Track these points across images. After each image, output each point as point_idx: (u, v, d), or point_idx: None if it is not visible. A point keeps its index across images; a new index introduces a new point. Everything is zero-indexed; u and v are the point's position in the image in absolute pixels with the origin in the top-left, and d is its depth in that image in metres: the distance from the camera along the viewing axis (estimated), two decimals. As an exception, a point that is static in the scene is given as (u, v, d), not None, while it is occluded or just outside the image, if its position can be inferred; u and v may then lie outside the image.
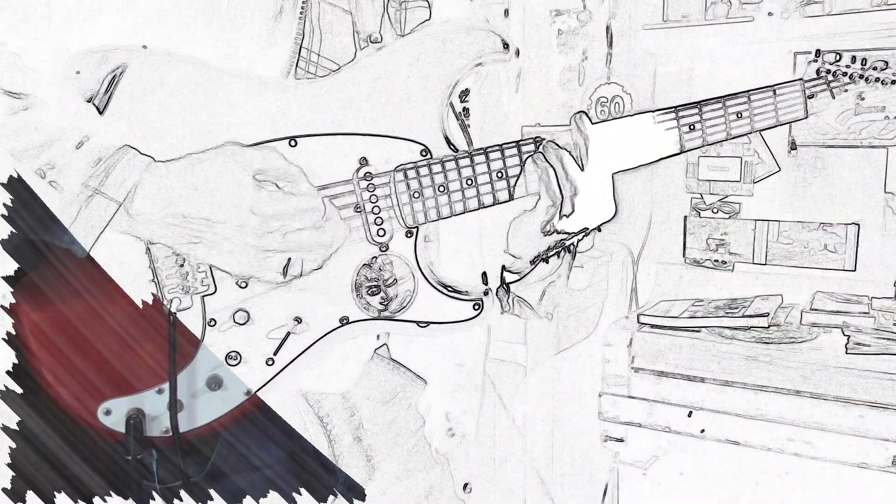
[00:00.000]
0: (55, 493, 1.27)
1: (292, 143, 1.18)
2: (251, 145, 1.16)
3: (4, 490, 1.25)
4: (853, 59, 1.24)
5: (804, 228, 2.02)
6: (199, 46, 1.16)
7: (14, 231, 1.11)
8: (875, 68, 1.23)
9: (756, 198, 2.06)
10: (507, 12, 2.19)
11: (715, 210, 2.10)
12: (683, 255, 2.16)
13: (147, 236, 1.11)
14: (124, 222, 1.09)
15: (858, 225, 1.95)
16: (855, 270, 1.96)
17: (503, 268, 1.31)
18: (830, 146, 1.96)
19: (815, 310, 1.94)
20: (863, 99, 1.24)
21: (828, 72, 1.24)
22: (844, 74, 1.24)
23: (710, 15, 2.03)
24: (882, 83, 1.23)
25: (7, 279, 1.16)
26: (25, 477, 1.26)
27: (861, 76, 1.24)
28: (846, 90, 1.24)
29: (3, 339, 1.17)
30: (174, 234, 1.09)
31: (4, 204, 1.09)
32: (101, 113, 1.10)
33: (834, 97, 1.24)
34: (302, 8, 1.22)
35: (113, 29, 1.13)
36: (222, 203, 1.09)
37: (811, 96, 1.25)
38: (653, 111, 1.27)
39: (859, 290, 1.96)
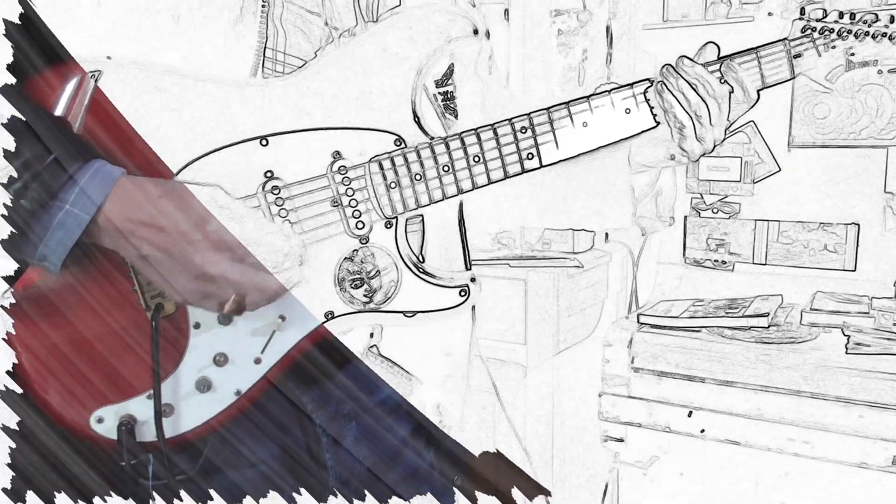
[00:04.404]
0: (55, 493, 1.27)
1: (263, 142, 1.18)
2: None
3: (4, 490, 1.25)
4: (840, 14, 1.21)
5: (804, 228, 2.02)
6: (166, 52, 1.16)
7: (14, 231, 1.11)
8: (865, 22, 1.20)
9: (756, 198, 2.06)
10: (507, 12, 2.19)
11: (715, 210, 2.10)
12: (683, 255, 2.16)
13: (108, 245, 1.10)
14: (92, 230, 1.08)
15: (858, 225, 1.95)
16: (855, 270, 1.96)
17: None
18: (830, 146, 1.96)
19: (815, 310, 1.94)
20: (853, 55, 1.21)
21: (813, 29, 1.21)
22: (832, 31, 1.20)
23: (710, 15, 2.03)
24: (873, 37, 1.19)
25: (7, 279, 1.16)
26: (25, 477, 1.26)
27: (850, 31, 1.20)
28: (834, 47, 1.21)
29: (3, 339, 1.17)
30: (129, 245, 1.09)
31: (4, 204, 1.09)
32: (75, 130, 1.10)
33: (820, 55, 1.22)
34: (263, 7, 1.22)
35: (78, 39, 1.13)
36: (189, 214, 1.09)
37: (797, 55, 1.22)
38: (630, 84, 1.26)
39: (859, 290, 1.96)
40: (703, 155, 1.24)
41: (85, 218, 1.05)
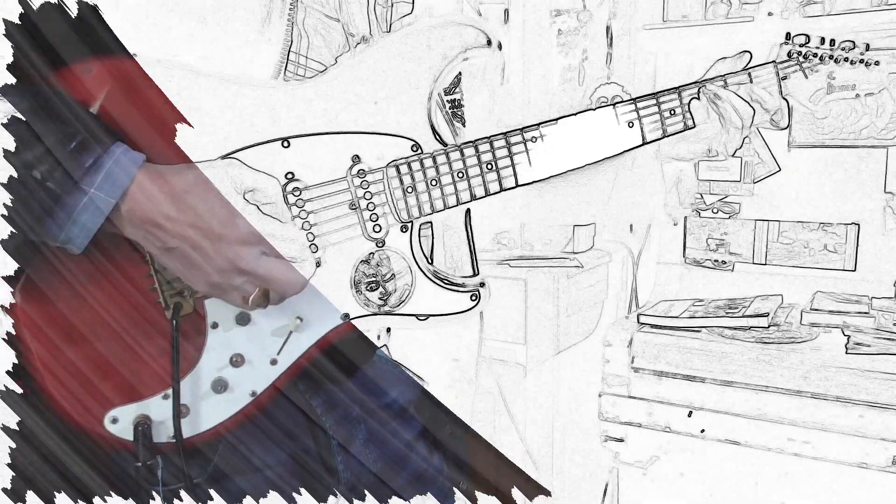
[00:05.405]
0: (55, 493, 1.27)
1: (285, 143, 1.19)
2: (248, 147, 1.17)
3: (4, 490, 1.25)
4: (822, 40, 1.28)
5: (804, 228, 2.02)
6: (187, 52, 1.17)
7: (14, 231, 1.11)
8: (843, 48, 1.27)
9: (756, 198, 2.06)
10: (507, 13, 2.19)
11: (715, 210, 2.10)
12: (683, 255, 2.16)
13: (132, 236, 1.11)
14: (116, 219, 1.09)
15: (858, 225, 1.95)
16: (855, 270, 1.96)
17: None
18: (830, 146, 1.96)
19: (815, 310, 1.94)
20: (833, 79, 1.29)
21: (798, 53, 1.27)
22: (815, 56, 1.28)
23: (710, 15, 2.03)
24: (851, 63, 1.27)
25: (7, 279, 1.16)
26: (25, 477, 1.26)
27: (830, 56, 1.28)
28: (817, 71, 1.28)
29: (3, 339, 1.17)
30: (153, 238, 1.09)
31: (4, 204, 1.09)
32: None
33: (807, 77, 1.28)
34: (290, 12, 1.23)
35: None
36: (217, 208, 1.10)
37: (785, 78, 1.28)
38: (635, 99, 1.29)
39: (859, 290, 1.96)
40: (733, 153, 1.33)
41: (110, 202, 1.06)
